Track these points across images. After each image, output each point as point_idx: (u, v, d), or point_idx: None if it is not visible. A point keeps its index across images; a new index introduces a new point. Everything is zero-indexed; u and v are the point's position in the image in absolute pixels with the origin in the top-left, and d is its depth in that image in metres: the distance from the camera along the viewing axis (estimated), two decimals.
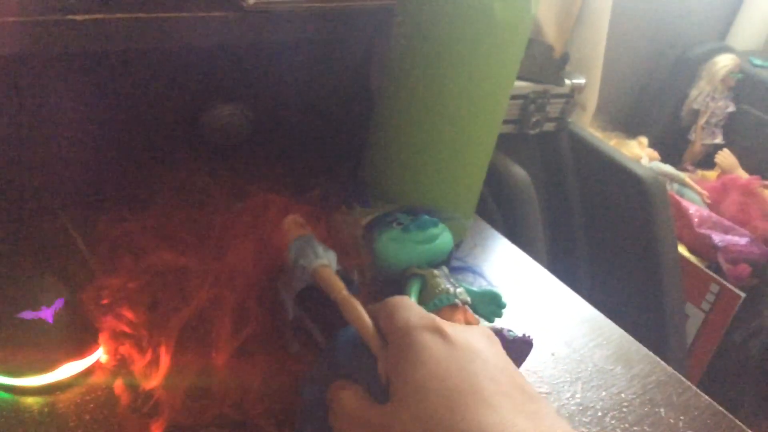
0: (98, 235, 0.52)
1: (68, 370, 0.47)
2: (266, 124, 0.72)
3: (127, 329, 0.46)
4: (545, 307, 0.66)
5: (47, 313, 0.47)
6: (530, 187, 1.11)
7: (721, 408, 0.57)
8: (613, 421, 0.54)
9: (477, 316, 0.56)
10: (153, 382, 0.44)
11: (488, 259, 0.72)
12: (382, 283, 0.57)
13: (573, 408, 0.55)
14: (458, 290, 0.55)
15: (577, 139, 1.29)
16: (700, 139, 1.86)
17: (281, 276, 0.47)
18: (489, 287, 0.59)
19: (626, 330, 0.65)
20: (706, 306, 1.51)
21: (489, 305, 0.57)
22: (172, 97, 0.66)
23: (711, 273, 1.50)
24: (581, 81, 1.19)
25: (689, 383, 0.59)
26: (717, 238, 1.52)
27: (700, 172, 1.82)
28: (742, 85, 1.80)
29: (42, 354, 0.46)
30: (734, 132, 1.85)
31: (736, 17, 1.89)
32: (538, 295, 0.68)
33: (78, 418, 0.45)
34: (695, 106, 1.82)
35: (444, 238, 0.59)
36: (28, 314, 0.46)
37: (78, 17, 0.54)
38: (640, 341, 0.63)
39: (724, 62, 1.77)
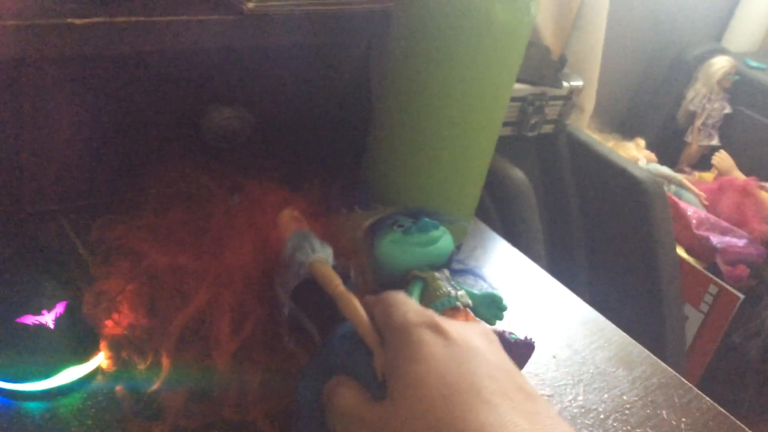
0: (97, 239, 0.52)
1: (70, 374, 0.46)
2: (266, 127, 0.72)
3: (127, 332, 0.46)
4: (546, 309, 0.66)
5: (48, 318, 0.47)
6: (529, 189, 1.11)
7: (722, 409, 0.57)
8: (615, 424, 0.54)
9: (478, 319, 0.56)
10: (154, 385, 0.44)
11: (488, 261, 0.72)
12: (383, 286, 0.57)
13: (575, 410, 0.55)
14: (459, 293, 0.55)
15: (575, 141, 1.30)
16: (696, 140, 1.86)
17: (278, 270, 0.47)
18: (490, 290, 0.59)
19: (625, 332, 0.65)
20: (704, 307, 1.51)
21: (490, 308, 0.57)
22: (171, 100, 0.66)
23: (709, 274, 1.50)
24: (579, 83, 1.19)
25: (690, 385, 0.59)
26: (715, 239, 1.52)
27: (697, 174, 1.82)
28: (738, 87, 1.81)
29: (43, 359, 0.46)
30: (730, 133, 1.85)
31: (731, 19, 1.90)
32: (539, 298, 0.68)
33: (80, 423, 0.45)
34: (692, 108, 1.83)
35: (445, 240, 0.59)
36: (28, 319, 0.46)
37: (77, 21, 0.54)
38: (639, 343, 0.63)
39: (720, 64, 1.78)
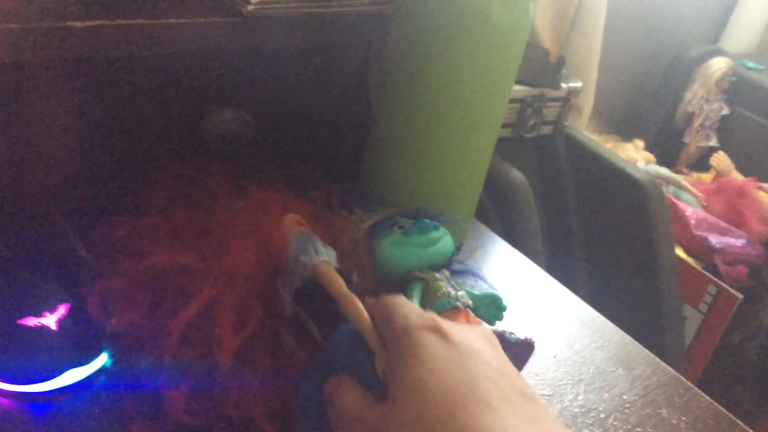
0: (99, 240, 0.52)
1: (72, 376, 0.47)
2: (266, 129, 0.72)
3: (130, 333, 0.46)
4: (546, 309, 0.66)
5: (50, 320, 0.47)
6: (528, 190, 1.11)
7: (722, 408, 0.57)
8: (615, 423, 0.54)
9: (478, 319, 0.56)
10: (157, 384, 0.44)
11: (488, 261, 0.72)
12: (384, 287, 0.57)
13: (576, 410, 0.55)
14: (460, 293, 0.55)
15: (574, 142, 1.30)
16: (694, 141, 1.87)
17: (280, 272, 0.47)
18: (490, 290, 0.59)
19: (624, 332, 0.65)
20: (703, 307, 1.51)
21: (490, 308, 0.58)
22: (172, 102, 0.66)
23: (708, 275, 1.50)
24: (577, 84, 1.20)
25: (690, 384, 0.59)
26: (714, 240, 1.53)
27: (695, 175, 1.83)
28: (735, 88, 1.81)
29: (45, 361, 0.46)
30: (728, 134, 1.86)
31: (728, 21, 1.90)
32: (539, 298, 0.68)
33: (82, 424, 0.45)
34: (689, 109, 1.83)
35: (445, 241, 0.59)
36: (30, 321, 0.46)
37: (78, 24, 0.54)
38: (639, 343, 0.64)
39: (718, 65, 1.78)
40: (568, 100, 1.20)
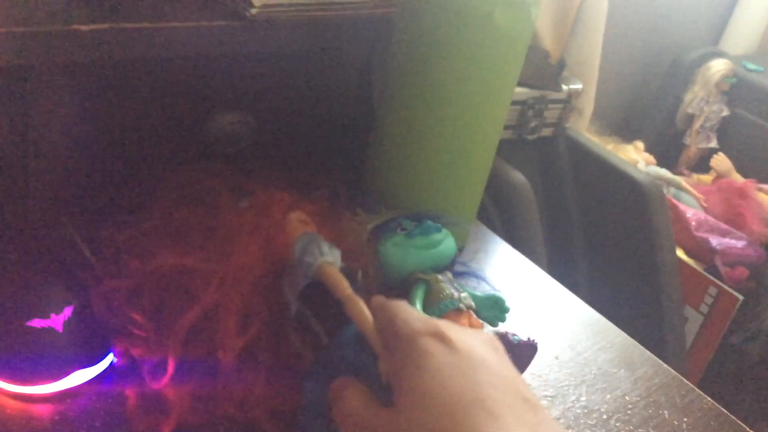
0: (104, 241, 0.52)
1: (79, 377, 0.47)
2: (269, 132, 0.73)
3: (135, 333, 0.47)
4: (548, 311, 0.67)
5: (56, 321, 0.47)
6: (529, 191, 1.12)
7: (724, 409, 0.57)
8: (618, 424, 0.54)
9: (481, 321, 0.56)
10: (161, 383, 0.45)
11: (490, 263, 0.73)
12: (387, 289, 0.57)
13: (578, 411, 0.55)
14: (462, 295, 0.55)
15: (575, 143, 1.30)
16: (695, 143, 1.87)
17: (285, 272, 0.47)
18: (492, 292, 0.59)
19: (625, 333, 0.65)
20: (704, 309, 1.51)
21: (492, 310, 0.58)
22: (176, 105, 0.67)
23: (709, 276, 1.50)
24: (578, 86, 1.20)
25: (692, 385, 0.60)
26: (714, 241, 1.53)
27: (695, 176, 1.83)
28: (735, 90, 1.81)
29: (52, 362, 0.46)
30: (728, 136, 1.86)
31: (728, 22, 1.90)
32: (541, 299, 0.68)
33: (89, 425, 0.45)
34: (690, 111, 1.83)
35: (447, 243, 0.59)
36: (37, 322, 0.47)
37: (83, 27, 0.54)
38: (640, 344, 0.64)
39: (718, 67, 1.79)
40: (569, 102, 1.20)
